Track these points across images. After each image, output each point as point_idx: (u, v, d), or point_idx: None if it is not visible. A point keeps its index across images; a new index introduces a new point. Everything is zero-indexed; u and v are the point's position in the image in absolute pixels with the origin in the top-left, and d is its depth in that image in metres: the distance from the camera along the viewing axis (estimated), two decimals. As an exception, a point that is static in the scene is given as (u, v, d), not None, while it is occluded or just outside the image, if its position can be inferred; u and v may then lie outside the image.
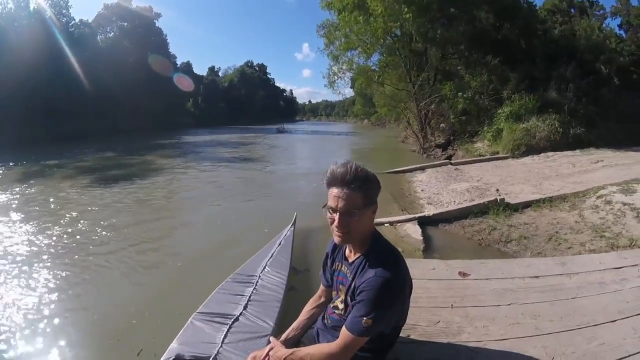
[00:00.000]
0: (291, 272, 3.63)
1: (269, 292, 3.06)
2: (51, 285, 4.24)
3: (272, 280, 3.27)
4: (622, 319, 2.47)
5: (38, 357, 3.06)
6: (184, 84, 49.99)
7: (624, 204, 5.57)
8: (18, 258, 5.03)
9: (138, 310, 3.67)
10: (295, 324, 1.90)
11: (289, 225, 4.74)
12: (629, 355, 2.11)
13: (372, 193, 1.51)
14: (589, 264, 3.43)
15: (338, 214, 1.47)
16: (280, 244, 4.09)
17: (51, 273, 4.56)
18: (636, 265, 3.35)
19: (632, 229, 4.83)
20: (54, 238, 5.88)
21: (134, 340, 3.15)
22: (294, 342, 1.81)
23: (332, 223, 1.51)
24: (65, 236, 5.96)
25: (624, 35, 29.17)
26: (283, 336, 1.84)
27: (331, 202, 1.48)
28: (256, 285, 3.15)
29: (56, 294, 4.01)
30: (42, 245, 5.59)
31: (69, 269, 4.66)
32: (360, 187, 1.45)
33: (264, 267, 3.48)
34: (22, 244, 5.60)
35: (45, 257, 5.11)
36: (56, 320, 3.51)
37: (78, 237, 5.94)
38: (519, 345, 2.21)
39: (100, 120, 34.92)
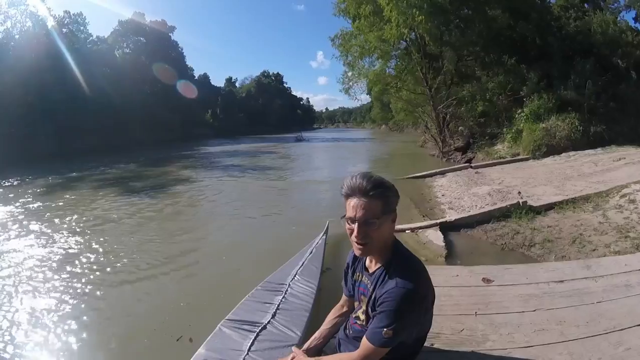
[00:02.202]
0: (321, 280, 3.63)
1: (298, 301, 3.07)
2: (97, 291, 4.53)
3: (301, 289, 3.28)
4: (648, 322, 2.44)
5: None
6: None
7: (648, 202, 5.46)
8: (51, 265, 5.42)
9: (169, 318, 3.83)
10: (317, 334, 1.91)
11: (321, 234, 4.75)
12: (656, 361, 2.08)
13: (391, 201, 1.51)
14: (614, 266, 3.38)
15: (357, 224, 1.46)
16: (311, 253, 4.10)
17: (95, 279, 4.89)
18: (663, 266, 3.29)
19: (657, 229, 4.74)
20: (96, 246, 6.22)
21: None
22: (316, 352, 1.83)
23: (351, 234, 1.50)
24: (101, 246, 6.26)
25: (639, 28, 28.55)
26: (305, 345, 1.87)
27: (350, 213, 1.48)
28: (285, 293, 3.17)
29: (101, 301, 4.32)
30: (88, 252, 5.93)
31: (105, 278, 4.94)
32: (379, 195, 1.46)
33: (294, 276, 3.49)
34: (58, 252, 5.98)
35: (89, 263, 5.46)
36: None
37: (111, 247, 6.20)
38: (544, 352, 2.21)
39: (120, 134, 35.63)
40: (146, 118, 40.72)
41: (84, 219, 8.18)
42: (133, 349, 3.39)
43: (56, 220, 7.98)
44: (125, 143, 34.51)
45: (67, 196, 10.86)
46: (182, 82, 48.68)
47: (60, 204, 9.82)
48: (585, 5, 29.15)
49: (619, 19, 26.01)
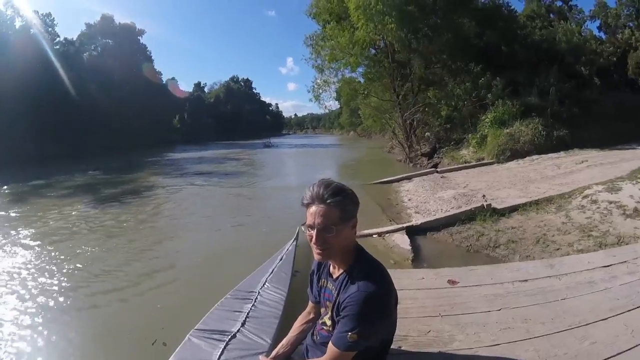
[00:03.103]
0: (292, 287, 3.57)
1: (267, 309, 3.02)
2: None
3: (271, 296, 3.22)
4: (613, 316, 2.48)
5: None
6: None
7: (610, 202, 5.65)
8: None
9: (133, 330, 3.73)
10: (285, 341, 1.90)
11: (291, 240, 4.67)
12: (622, 352, 2.11)
13: (349, 209, 1.52)
14: (578, 264, 3.45)
15: (315, 230, 1.49)
16: (281, 259, 4.05)
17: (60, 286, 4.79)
18: (625, 262, 3.38)
19: (619, 227, 4.90)
20: (63, 256, 5.99)
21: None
22: (284, 359, 1.81)
23: (311, 240, 1.53)
24: (70, 255, 6.05)
25: (603, 37, 30.14)
26: (273, 353, 1.85)
27: (309, 220, 1.51)
28: (255, 301, 3.11)
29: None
30: (51, 263, 5.69)
31: (73, 287, 4.81)
32: (336, 203, 1.48)
33: (264, 283, 3.43)
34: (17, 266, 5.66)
35: (55, 270, 5.33)
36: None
37: (80, 256, 6.00)
38: (511, 349, 2.20)
39: (88, 138, 34.83)
40: (114, 123, 40.02)
41: (51, 227, 7.91)
42: (109, 353, 3.42)
43: (21, 230, 7.70)
44: (93, 148, 33.78)
45: (33, 205, 10.50)
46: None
47: (26, 212, 9.49)
48: (551, 15, 30.61)
49: (583, 28, 27.42)
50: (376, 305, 1.46)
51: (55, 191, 13.07)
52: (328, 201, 1.47)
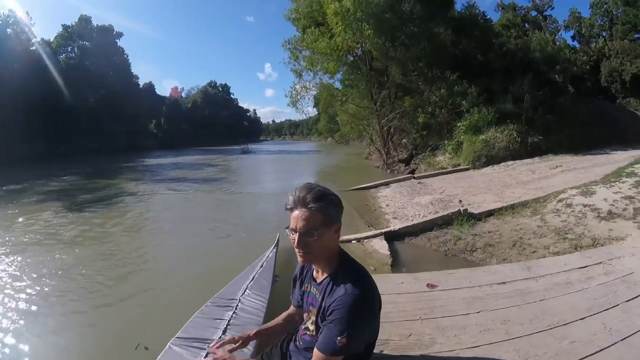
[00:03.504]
0: (272, 293, 3.52)
1: (248, 316, 2.97)
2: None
3: (252, 303, 3.18)
4: (590, 315, 2.55)
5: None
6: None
7: (585, 206, 5.78)
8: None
9: (115, 335, 3.68)
10: (265, 326, 1.98)
11: (272, 247, 4.61)
12: (601, 350, 2.16)
13: (332, 212, 1.53)
14: (554, 266, 3.53)
15: (298, 234, 1.49)
16: (262, 266, 3.98)
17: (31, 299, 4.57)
18: (601, 263, 3.47)
19: (594, 229, 5.01)
20: (36, 264, 5.77)
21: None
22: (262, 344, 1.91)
23: (294, 243, 1.53)
24: (43, 263, 5.80)
25: (577, 46, 31.21)
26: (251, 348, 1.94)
27: (292, 224, 1.51)
28: (236, 309, 3.06)
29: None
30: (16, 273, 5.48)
31: (49, 294, 4.67)
32: (319, 207, 1.48)
33: (245, 290, 3.37)
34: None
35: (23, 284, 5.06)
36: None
37: (43, 267, 5.71)
38: (492, 350, 2.23)
39: (62, 141, 34.08)
40: (90, 127, 39.28)
41: (22, 235, 7.62)
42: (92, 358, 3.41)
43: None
44: (69, 152, 33.27)
45: (2, 211, 10.09)
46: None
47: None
48: (526, 24, 31.54)
49: (557, 37, 28.32)
50: (365, 308, 1.45)
51: (27, 197, 12.61)
52: (310, 205, 1.47)
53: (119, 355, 3.38)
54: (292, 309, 1.96)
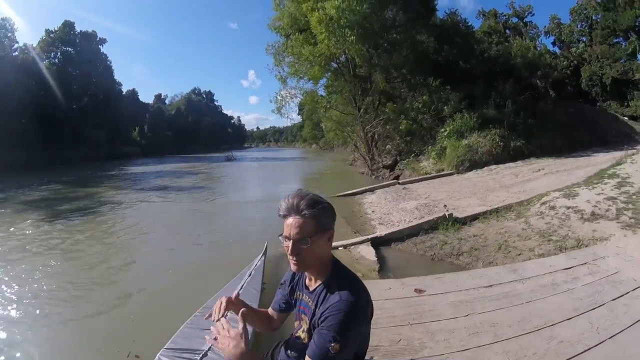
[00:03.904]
0: (261, 303, 3.48)
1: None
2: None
3: None
4: (577, 315, 2.57)
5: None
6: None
7: (568, 208, 5.86)
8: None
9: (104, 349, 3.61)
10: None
11: (260, 255, 4.58)
12: (589, 349, 2.19)
13: (325, 220, 1.52)
14: (540, 267, 3.57)
15: (291, 241, 1.48)
16: (250, 275, 3.96)
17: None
18: (586, 263, 3.52)
19: (577, 230, 5.08)
20: (21, 274, 5.71)
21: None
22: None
23: (287, 251, 1.52)
24: (26, 274, 5.73)
25: (557, 51, 31.94)
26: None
27: (285, 231, 1.50)
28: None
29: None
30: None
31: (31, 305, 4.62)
32: (311, 215, 1.47)
33: None
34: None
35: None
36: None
37: (32, 276, 5.67)
38: (481, 353, 2.23)
39: (44, 150, 33.31)
40: (72, 134, 38.58)
41: (4, 245, 7.50)
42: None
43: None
44: (50, 160, 32.49)
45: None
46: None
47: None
48: (507, 31, 32.18)
49: (538, 43, 28.93)
50: (359, 314, 1.44)
51: (8, 206, 12.34)
52: (304, 213, 1.46)
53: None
54: (271, 311, 1.92)
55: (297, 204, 1.47)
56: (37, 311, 4.43)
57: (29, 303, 4.67)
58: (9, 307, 4.56)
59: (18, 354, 3.55)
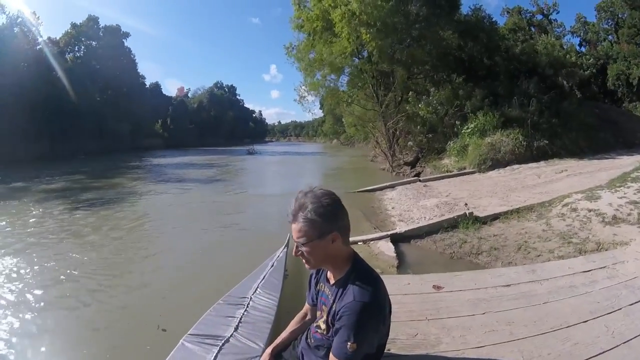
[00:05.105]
0: (283, 292, 3.60)
1: (260, 314, 3.04)
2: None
3: (263, 302, 3.24)
4: (593, 318, 2.59)
5: None
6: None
7: (589, 210, 5.79)
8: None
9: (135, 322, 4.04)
10: (278, 339, 1.96)
11: (282, 247, 4.67)
12: (603, 352, 2.21)
13: (324, 224, 1.52)
14: (558, 269, 3.56)
15: (295, 244, 1.57)
16: (272, 266, 4.05)
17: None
18: (604, 267, 3.51)
19: (598, 234, 5.02)
20: (53, 262, 5.96)
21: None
22: (276, 355, 1.90)
23: None
24: (62, 259, 6.07)
25: (583, 50, 31.12)
26: (268, 350, 1.93)
27: (292, 234, 1.58)
28: (247, 307, 3.12)
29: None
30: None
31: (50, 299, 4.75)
32: (308, 220, 1.51)
33: (256, 289, 3.44)
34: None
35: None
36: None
37: (70, 258, 6.11)
38: (496, 351, 2.28)
39: (68, 142, 34.15)
40: (95, 126, 39.39)
41: (33, 232, 7.79)
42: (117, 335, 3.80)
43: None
44: (73, 151, 33.30)
45: (11, 209, 10.23)
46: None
47: (3, 217, 9.19)
48: (532, 28, 31.50)
49: (564, 41, 28.25)
50: (372, 314, 1.48)
51: (34, 195, 12.76)
52: (302, 218, 1.51)
53: (142, 334, 3.74)
54: (305, 307, 2.00)
55: (296, 209, 1.53)
56: (77, 284, 4.99)
57: (73, 279, 5.21)
58: (56, 283, 5.05)
59: (62, 319, 4.11)
